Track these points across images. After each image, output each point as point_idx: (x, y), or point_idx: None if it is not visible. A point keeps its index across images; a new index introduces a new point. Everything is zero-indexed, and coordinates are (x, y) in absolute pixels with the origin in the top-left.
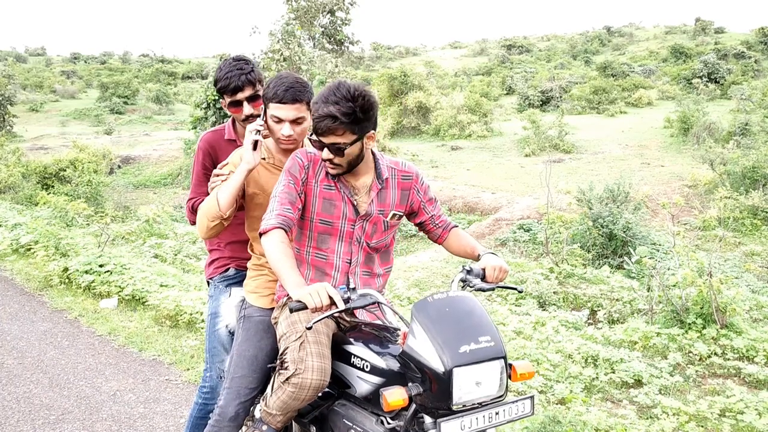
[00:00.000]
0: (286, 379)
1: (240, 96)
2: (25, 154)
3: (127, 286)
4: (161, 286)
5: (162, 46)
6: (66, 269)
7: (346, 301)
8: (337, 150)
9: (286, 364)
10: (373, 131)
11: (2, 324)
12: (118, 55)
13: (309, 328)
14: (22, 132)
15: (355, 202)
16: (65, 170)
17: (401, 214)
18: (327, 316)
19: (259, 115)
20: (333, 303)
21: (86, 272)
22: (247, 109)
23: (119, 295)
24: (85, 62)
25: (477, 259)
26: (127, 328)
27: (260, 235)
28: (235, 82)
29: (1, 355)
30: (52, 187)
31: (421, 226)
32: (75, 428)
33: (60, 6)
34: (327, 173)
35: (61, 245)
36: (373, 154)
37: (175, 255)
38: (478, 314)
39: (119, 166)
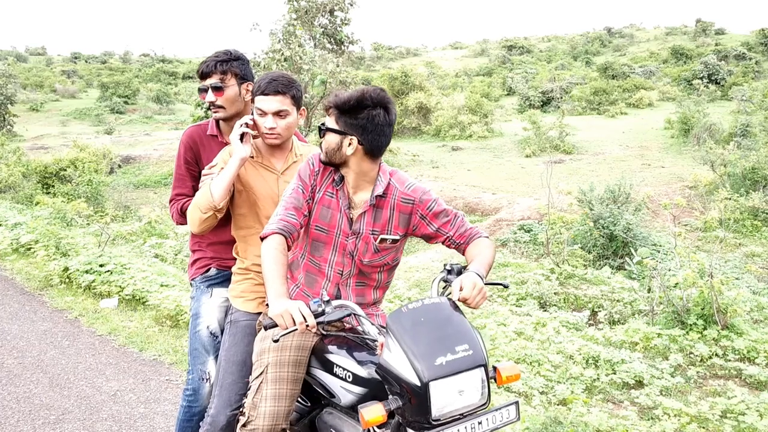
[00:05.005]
0: (243, 425)
1: (207, 81)
2: (26, 153)
3: (127, 285)
4: (162, 285)
5: (163, 46)
6: (66, 269)
7: (320, 314)
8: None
9: (243, 409)
10: (353, 136)
11: (2, 324)
12: (118, 54)
13: (276, 341)
14: (22, 131)
15: (351, 216)
16: (66, 170)
17: (395, 239)
18: (292, 331)
19: (222, 106)
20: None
21: (86, 272)
22: (209, 95)
23: (119, 295)
24: (86, 62)
25: None
26: (127, 328)
27: (261, 239)
28: (203, 67)
29: (1, 354)
30: (53, 186)
31: (441, 243)
32: (75, 428)
33: (60, 6)
34: (333, 180)
35: (62, 245)
36: (381, 170)
37: (176, 255)
38: (455, 322)
39: (119, 166)
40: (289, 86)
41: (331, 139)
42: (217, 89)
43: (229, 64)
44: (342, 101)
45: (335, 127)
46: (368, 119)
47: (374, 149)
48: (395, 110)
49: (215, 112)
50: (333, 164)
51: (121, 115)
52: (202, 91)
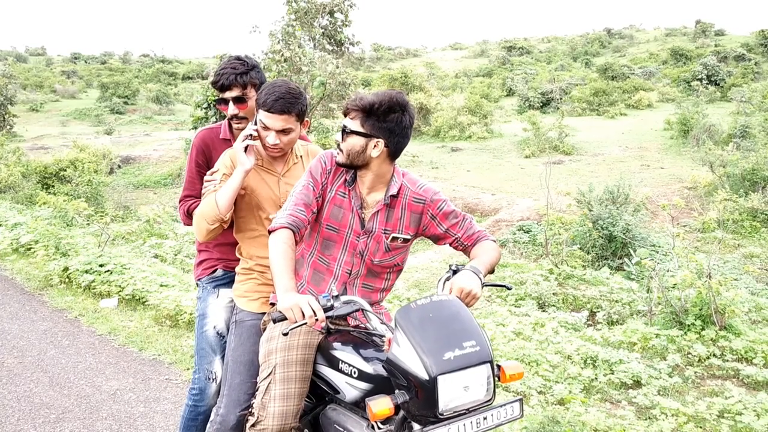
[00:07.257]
0: (252, 425)
1: (227, 94)
2: (26, 153)
3: (127, 285)
4: (161, 285)
5: (162, 47)
6: (66, 269)
7: (329, 309)
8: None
9: (252, 410)
10: (380, 139)
11: (3, 323)
12: (118, 55)
13: (285, 334)
14: (22, 132)
15: (363, 216)
16: (65, 170)
17: (407, 238)
18: (301, 325)
19: (244, 117)
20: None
21: (86, 272)
22: (232, 108)
23: (119, 295)
24: (86, 62)
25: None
26: (127, 328)
27: (269, 233)
28: (223, 81)
29: (1, 354)
30: (53, 186)
31: (449, 245)
32: (75, 427)
33: (60, 6)
34: (345, 180)
35: (62, 245)
36: (395, 171)
37: (175, 255)
38: (463, 318)
39: (119, 166)
40: (296, 103)
41: (356, 141)
42: (240, 102)
43: (248, 76)
44: (371, 105)
45: (360, 129)
46: (396, 122)
47: (397, 151)
48: (413, 112)
49: (238, 123)
50: (353, 166)
51: (121, 115)
52: (222, 102)
